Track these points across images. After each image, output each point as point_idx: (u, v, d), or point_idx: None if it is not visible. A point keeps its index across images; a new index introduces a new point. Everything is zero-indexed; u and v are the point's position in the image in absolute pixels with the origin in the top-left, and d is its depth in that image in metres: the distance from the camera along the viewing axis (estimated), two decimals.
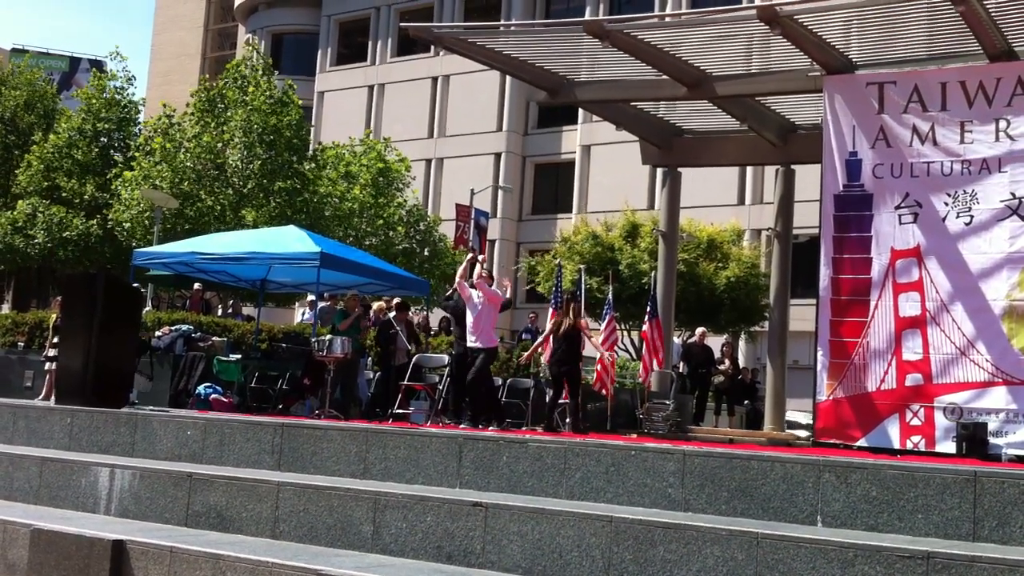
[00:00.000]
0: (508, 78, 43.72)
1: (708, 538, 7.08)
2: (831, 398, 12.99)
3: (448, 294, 16.71)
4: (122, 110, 37.26)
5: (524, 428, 14.82)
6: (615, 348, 19.23)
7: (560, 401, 14.23)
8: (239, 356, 16.61)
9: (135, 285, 17.13)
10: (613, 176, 42.25)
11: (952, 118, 12.81)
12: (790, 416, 23.36)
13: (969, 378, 12.21)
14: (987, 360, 12.14)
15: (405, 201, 36.00)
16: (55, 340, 16.42)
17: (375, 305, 17.85)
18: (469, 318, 13.48)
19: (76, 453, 11.24)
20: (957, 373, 12.28)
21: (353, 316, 15.75)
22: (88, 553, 8.39)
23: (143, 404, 14.09)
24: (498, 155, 48.70)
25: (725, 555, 6.98)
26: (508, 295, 15.88)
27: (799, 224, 18.26)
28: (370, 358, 18.05)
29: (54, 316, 17.26)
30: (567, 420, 14.22)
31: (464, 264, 14.02)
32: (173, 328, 17.21)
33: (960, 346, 12.30)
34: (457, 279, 13.87)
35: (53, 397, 16.17)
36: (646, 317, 18.02)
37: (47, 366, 16.85)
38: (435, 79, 50.47)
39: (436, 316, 23.43)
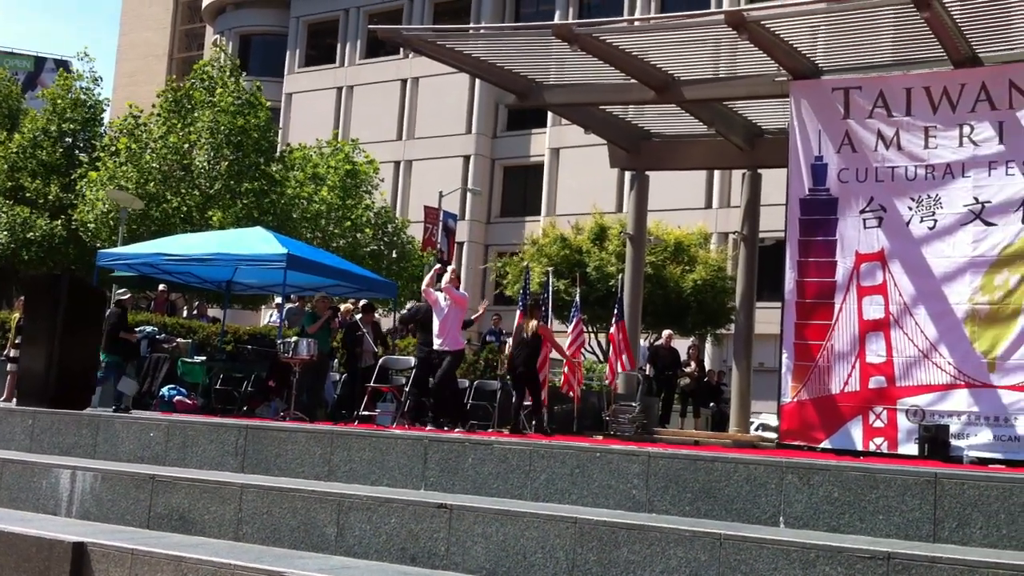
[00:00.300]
0: (477, 81, 43.73)
1: (671, 539, 7.11)
2: (795, 400, 13.07)
3: (409, 307, 16.68)
4: (88, 110, 36.92)
5: (490, 430, 14.81)
6: (582, 350, 19.25)
7: (525, 403, 14.23)
8: (204, 358, 16.52)
9: (119, 291, 16.98)
10: (581, 179, 42.35)
11: (916, 123, 12.93)
12: (764, 419, 23.47)
13: (931, 381, 12.32)
14: (949, 363, 12.25)
15: (373, 203, 35.90)
16: (17, 340, 16.27)
17: (342, 307, 17.79)
18: (435, 321, 13.47)
19: (37, 455, 11.12)
20: (920, 376, 12.38)
21: (323, 319, 15.71)
22: (48, 555, 8.31)
23: (105, 406, 13.97)
24: (467, 157, 48.67)
25: (688, 556, 7.01)
26: (476, 316, 15.99)
27: (765, 228, 18.36)
28: (336, 360, 17.99)
29: (17, 316, 17.11)
30: (533, 422, 14.23)
31: (431, 274, 14.01)
32: (138, 329, 17.08)
33: (923, 349, 12.41)
34: (423, 287, 13.86)
35: (15, 398, 16.06)
36: (613, 319, 18.07)
37: (8, 367, 16.67)
38: (404, 81, 50.38)
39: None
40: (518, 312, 15.80)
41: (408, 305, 16.10)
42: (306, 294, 18.25)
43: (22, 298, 17.60)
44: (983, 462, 11.45)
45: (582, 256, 28.82)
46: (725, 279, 29.36)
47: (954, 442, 11.81)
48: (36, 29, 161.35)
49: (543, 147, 46.91)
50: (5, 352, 17.40)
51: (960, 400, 12.16)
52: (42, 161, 35.12)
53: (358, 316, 16.66)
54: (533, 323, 13.89)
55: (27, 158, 35.22)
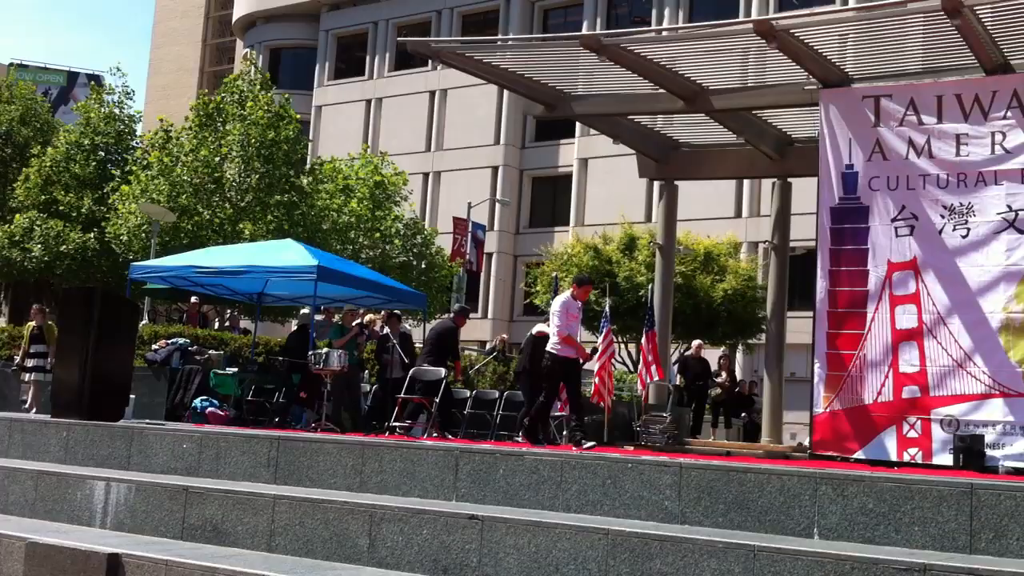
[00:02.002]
0: (505, 92, 43.81)
1: (705, 551, 7.07)
2: (828, 410, 12.98)
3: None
4: (121, 124, 37.28)
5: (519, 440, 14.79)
6: (612, 361, 19.21)
7: (556, 413, 14.18)
8: (236, 369, 16.61)
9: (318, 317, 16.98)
10: (610, 189, 42.32)
11: (948, 131, 12.82)
12: None
13: (966, 390, 12.20)
14: (984, 372, 12.12)
15: (402, 215, 36.02)
16: (31, 349, 16.61)
17: (366, 318, 17.89)
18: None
19: (72, 466, 11.22)
20: (954, 385, 12.26)
21: (350, 333, 15.71)
22: (84, 566, 8.37)
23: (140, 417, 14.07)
24: (495, 168, 48.76)
25: (722, 568, 6.97)
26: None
27: (796, 237, 18.28)
28: (366, 371, 18.05)
29: (31, 325, 17.35)
30: (564, 432, 14.18)
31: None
32: (170, 341, 17.19)
33: (957, 358, 12.29)
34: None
35: (37, 408, 16.31)
36: (643, 330, 18.03)
37: (24, 376, 16.92)
38: (432, 93, 50.57)
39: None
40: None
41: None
42: (336, 305, 18.33)
43: (35, 306, 17.88)
44: (1019, 472, 11.32)
45: (612, 266, 28.79)
46: (755, 288, 29.25)
47: (989, 452, 11.68)
48: (69, 43, 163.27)
49: (571, 157, 46.93)
50: (18, 362, 17.60)
51: (995, 410, 12.03)
52: (75, 175, 35.48)
53: (386, 329, 16.72)
54: (536, 327, 13.80)
55: (61, 172, 35.60)
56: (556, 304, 12.60)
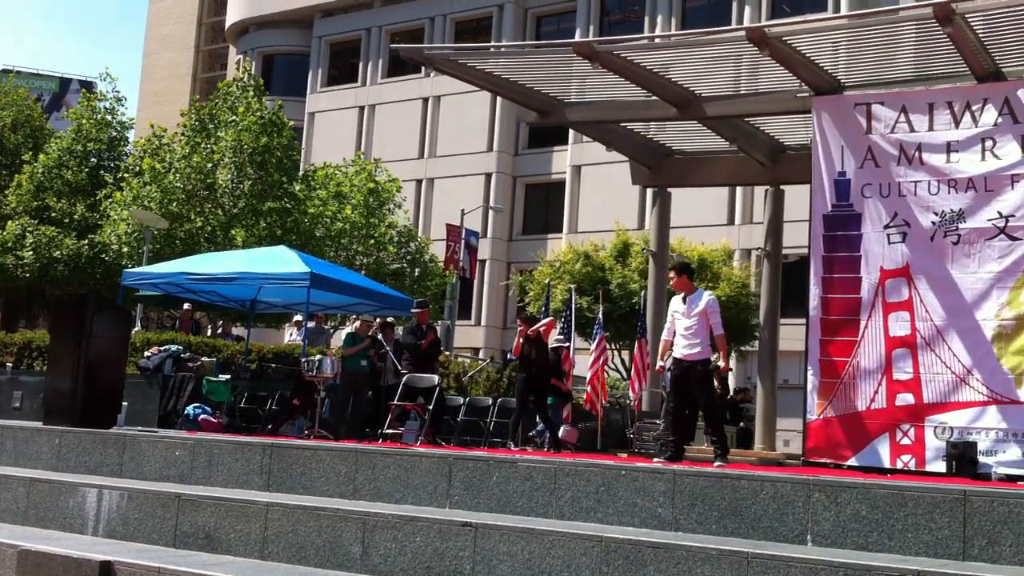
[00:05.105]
0: (498, 99, 43.85)
1: (698, 558, 7.07)
2: (821, 417, 13.00)
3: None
4: (114, 130, 37.23)
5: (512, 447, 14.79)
6: (605, 368, 19.21)
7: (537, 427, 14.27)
8: (228, 376, 16.59)
9: (557, 337, 16.63)
10: (603, 196, 42.37)
11: (938, 138, 12.87)
12: None
13: (959, 398, 12.23)
14: (977, 380, 12.15)
15: (396, 222, 36.00)
16: None
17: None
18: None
19: (64, 474, 11.19)
20: (947, 392, 12.29)
21: (363, 344, 15.73)
22: (76, 574, 8.35)
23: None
24: (488, 175, 48.78)
25: (715, 575, 6.97)
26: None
27: (789, 244, 18.32)
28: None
29: None
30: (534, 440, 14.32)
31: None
32: (162, 348, 17.16)
33: (950, 366, 12.31)
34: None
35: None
36: (636, 337, 18.04)
37: None
38: (426, 100, 50.58)
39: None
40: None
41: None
42: (329, 312, 18.29)
43: None
44: (1012, 479, 11.34)
45: (605, 273, 28.81)
46: (749, 296, 29.30)
47: (982, 459, 11.71)
48: (62, 50, 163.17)
49: (564, 164, 46.96)
50: None
51: (989, 417, 12.06)
52: (67, 181, 35.43)
53: (379, 335, 16.70)
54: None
55: (53, 178, 35.54)
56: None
